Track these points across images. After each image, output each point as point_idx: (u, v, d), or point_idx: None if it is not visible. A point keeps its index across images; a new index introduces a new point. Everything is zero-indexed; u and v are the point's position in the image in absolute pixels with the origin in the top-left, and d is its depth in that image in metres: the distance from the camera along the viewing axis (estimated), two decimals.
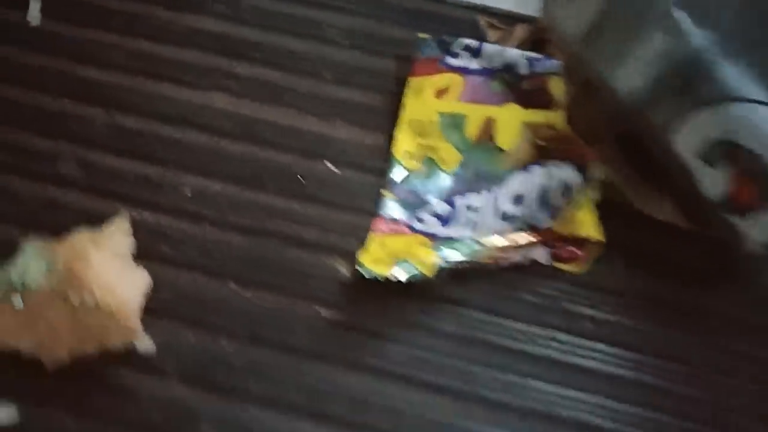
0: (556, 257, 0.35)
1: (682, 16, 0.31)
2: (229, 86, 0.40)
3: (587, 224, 0.35)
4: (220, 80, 0.40)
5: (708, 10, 0.32)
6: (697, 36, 0.31)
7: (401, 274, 0.32)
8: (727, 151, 0.31)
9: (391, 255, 0.33)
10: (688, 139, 0.32)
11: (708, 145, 0.31)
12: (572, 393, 0.33)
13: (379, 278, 0.32)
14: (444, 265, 0.33)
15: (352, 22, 0.43)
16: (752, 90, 0.30)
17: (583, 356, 0.34)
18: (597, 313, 0.35)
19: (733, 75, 0.31)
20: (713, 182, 0.32)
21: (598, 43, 0.33)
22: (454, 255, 0.34)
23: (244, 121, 0.39)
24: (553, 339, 0.34)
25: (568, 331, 0.34)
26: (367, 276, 0.32)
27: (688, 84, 0.31)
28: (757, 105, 0.30)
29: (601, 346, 0.34)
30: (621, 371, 0.34)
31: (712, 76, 0.31)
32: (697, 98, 0.31)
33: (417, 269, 0.33)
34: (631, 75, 0.32)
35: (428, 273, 0.33)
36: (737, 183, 0.31)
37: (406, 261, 0.33)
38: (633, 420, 0.32)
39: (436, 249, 0.34)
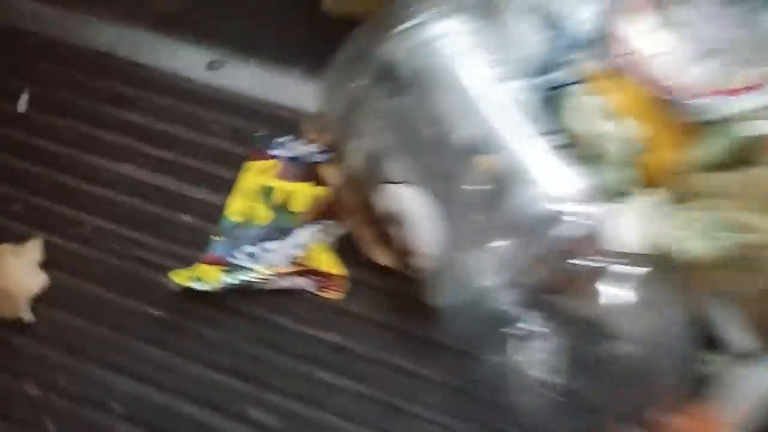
0: (317, 286, 0.53)
1: None
2: (137, 159, 0.61)
3: (327, 262, 0.52)
4: (133, 156, 0.61)
5: None
6: None
7: (195, 286, 0.51)
8: None
9: (196, 274, 0.52)
10: None
11: None
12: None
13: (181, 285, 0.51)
14: (231, 281, 0.51)
15: (230, 120, 0.62)
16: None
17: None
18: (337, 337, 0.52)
19: None
20: None
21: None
22: (240, 276, 0.52)
23: (138, 183, 0.59)
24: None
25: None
26: (172, 284, 0.51)
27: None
28: None
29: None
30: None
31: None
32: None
33: (208, 284, 0.51)
34: (353, 156, 0.50)
35: (214, 286, 0.51)
36: None
37: (201, 279, 0.51)
38: None
39: (229, 272, 0.52)
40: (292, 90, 0.62)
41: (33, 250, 0.53)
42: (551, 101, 0.46)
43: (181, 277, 0.51)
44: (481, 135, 0.43)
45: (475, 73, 0.46)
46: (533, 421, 0.44)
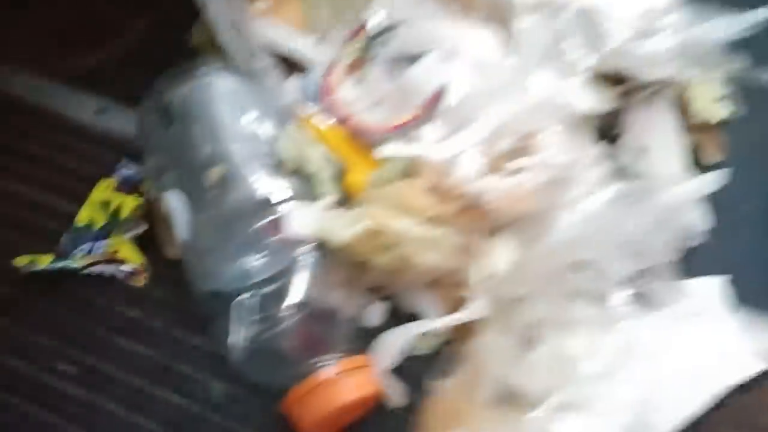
0: (124, 274, 0.69)
1: None
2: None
3: (129, 253, 0.68)
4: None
5: None
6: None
7: (30, 268, 0.67)
8: None
9: (34, 259, 0.68)
10: None
11: None
12: None
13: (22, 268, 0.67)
14: (55, 265, 0.67)
15: (104, 152, 0.80)
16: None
17: None
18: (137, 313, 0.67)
19: None
20: None
21: None
22: (63, 262, 0.68)
23: (14, 195, 0.77)
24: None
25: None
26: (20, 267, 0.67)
27: None
28: None
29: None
30: None
31: None
32: None
33: (40, 266, 0.67)
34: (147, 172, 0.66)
35: (44, 268, 0.67)
36: None
37: (35, 261, 0.68)
38: None
39: (57, 260, 0.68)
40: None
41: None
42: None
43: (22, 261, 0.68)
44: (215, 153, 0.59)
45: (226, 110, 0.62)
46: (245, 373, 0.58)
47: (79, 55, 0.90)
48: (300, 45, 0.70)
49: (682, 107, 0.68)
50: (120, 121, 0.82)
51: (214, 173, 0.59)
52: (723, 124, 0.70)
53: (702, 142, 0.70)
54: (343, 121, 0.60)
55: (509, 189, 0.54)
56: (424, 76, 0.58)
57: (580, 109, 0.59)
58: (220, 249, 0.57)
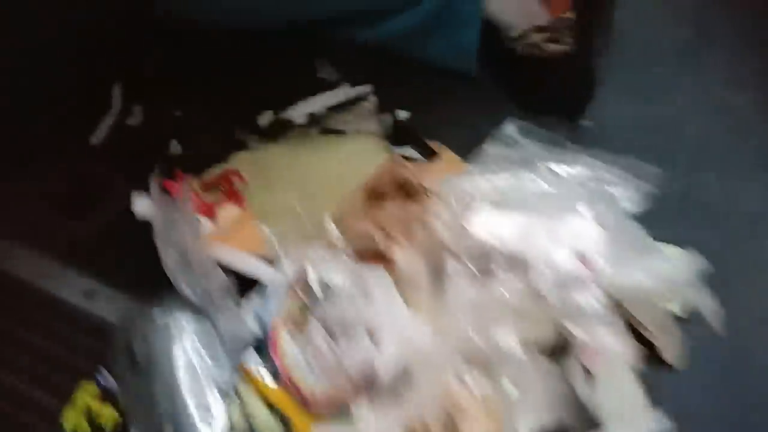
0: None
1: None
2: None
3: None
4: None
5: None
6: None
7: None
8: None
9: None
10: None
11: None
12: None
13: None
14: None
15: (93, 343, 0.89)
16: None
17: None
18: None
19: None
20: None
21: None
22: None
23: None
24: None
25: None
26: None
27: None
28: None
29: None
30: None
31: None
32: None
33: None
34: None
35: None
36: None
37: None
38: None
39: None
40: None
41: None
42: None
43: None
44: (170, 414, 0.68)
45: (179, 362, 0.71)
46: None
47: (71, 222, 1.00)
48: (256, 267, 0.78)
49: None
50: (106, 307, 0.90)
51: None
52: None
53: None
54: (285, 383, 0.69)
55: None
56: (357, 354, 0.66)
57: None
58: None
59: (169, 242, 0.73)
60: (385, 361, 0.64)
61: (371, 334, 0.66)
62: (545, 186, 0.79)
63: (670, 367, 0.76)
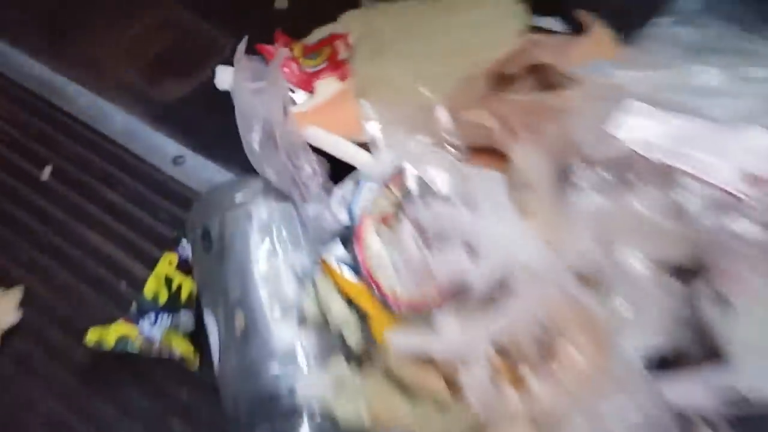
0: (179, 358, 0.77)
1: None
2: (105, 232, 0.88)
3: (179, 344, 0.76)
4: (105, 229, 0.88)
5: None
6: None
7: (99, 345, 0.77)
8: None
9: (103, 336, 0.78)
10: None
11: None
12: None
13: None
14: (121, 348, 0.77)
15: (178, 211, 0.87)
16: None
17: None
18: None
19: None
20: None
21: None
22: (125, 346, 0.77)
23: (98, 250, 0.86)
24: None
25: None
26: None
27: None
28: None
29: None
30: None
31: None
32: None
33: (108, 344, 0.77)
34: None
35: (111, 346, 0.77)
36: None
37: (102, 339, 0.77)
38: None
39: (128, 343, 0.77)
40: None
41: (14, 293, 0.82)
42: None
43: (92, 338, 0.77)
44: (242, 298, 0.64)
45: (257, 247, 0.66)
46: None
47: (167, 81, 0.96)
48: (352, 153, 0.71)
49: None
50: (195, 175, 0.88)
51: (239, 319, 0.64)
52: None
53: None
54: (366, 280, 0.62)
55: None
56: (448, 264, 0.58)
57: None
58: (239, 397, 0.63)
59: (254, 117, 0.65)
60: (480, 274, 0.55)
61: (469, 247, 0.57)
62: (723, 85, 0.64)
63: None
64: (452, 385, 0.59)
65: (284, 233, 0.67)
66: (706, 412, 0.57)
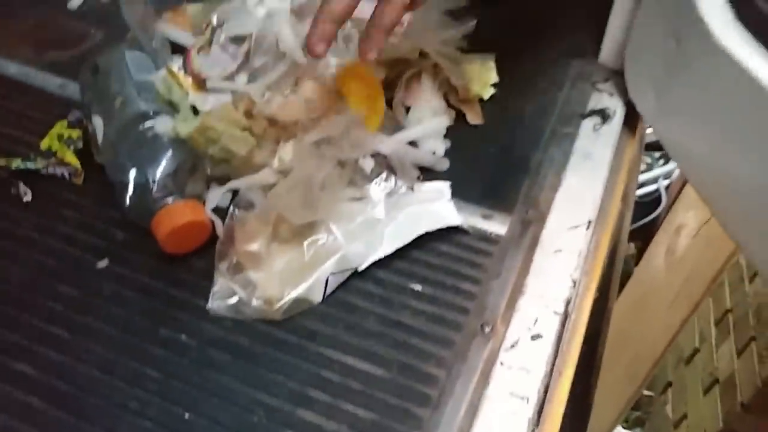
0: (69, 175, 1.15)
1: None
2: None
3: (69, 157, 1.15)
4: None
5: None
6: None
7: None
8: None
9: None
10: None
11: None
12: None
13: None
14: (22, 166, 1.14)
15: None
16: None
17: None
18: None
19: None
20: None
21: None
22: (28, 164, 1.14)
23: None
24: None
25: None
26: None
27: None
28: None
29: None
30: None
31: None
32: None
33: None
34: None
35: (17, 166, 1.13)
36: None
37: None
38: None
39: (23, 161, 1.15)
40: None
41: None
42: None
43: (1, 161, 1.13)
44: (121, 91, 1.07)
45: (131, 69, 1.11)
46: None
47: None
48: (183, 37, 1.20)
49: (449, 83, 1.16)
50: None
51: (118, 101, 1.06)
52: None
53: (467, 109, 1.17)
54: (192, 75, 1.09)
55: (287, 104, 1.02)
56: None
57: None
58: (119, 144, 1.03)
59: None
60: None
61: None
62: None
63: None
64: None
65: (147, 65, 1.12)
66: None
